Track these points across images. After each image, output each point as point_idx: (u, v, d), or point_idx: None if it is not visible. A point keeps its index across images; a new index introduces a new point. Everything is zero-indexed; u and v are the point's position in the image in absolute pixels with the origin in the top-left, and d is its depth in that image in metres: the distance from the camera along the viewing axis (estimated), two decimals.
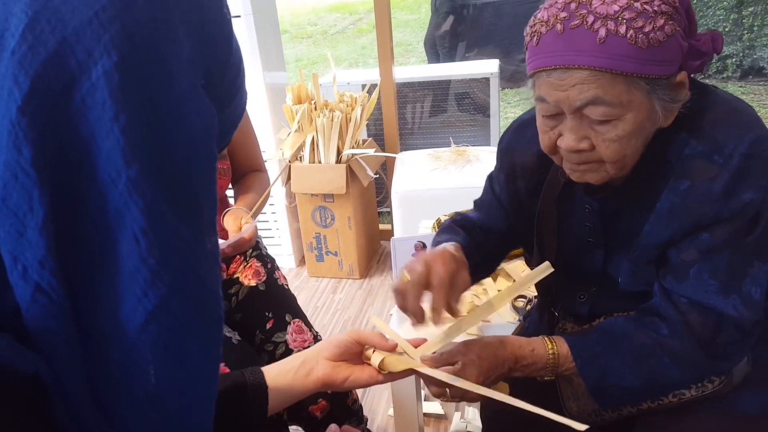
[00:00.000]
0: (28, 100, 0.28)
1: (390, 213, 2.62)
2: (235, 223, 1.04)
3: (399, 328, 1.12)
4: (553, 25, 0.65)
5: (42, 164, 0.29)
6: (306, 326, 1.13)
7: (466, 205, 1.72)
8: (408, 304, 0.72)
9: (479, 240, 0.94)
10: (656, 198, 0.71)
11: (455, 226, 0.95)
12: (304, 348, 1.05)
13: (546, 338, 0.76)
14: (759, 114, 0.73)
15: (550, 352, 0.75)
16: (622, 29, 0.61)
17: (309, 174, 2.07)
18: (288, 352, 1.06)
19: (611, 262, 0.81)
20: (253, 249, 1.21)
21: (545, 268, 0.76)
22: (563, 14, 0.64)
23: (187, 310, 0.34)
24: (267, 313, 1.12)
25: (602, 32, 0.62)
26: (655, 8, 0.62)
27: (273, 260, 1.22)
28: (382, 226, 2.57)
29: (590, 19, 0.63)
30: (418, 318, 0.72)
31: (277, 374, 0.68)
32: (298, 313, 1.14)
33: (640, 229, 0.73)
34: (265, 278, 1.17)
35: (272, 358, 1.07)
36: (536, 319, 1.01)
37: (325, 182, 2.05)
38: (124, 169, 0.30)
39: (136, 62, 0.30)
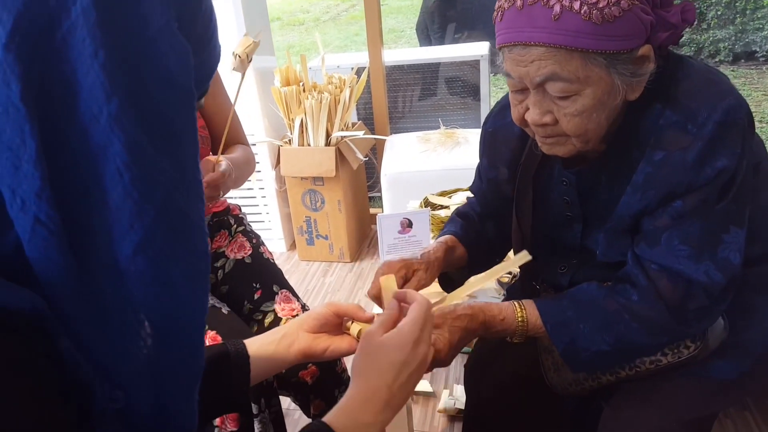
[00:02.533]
0: (12, 37, 0.29)
1: (381, 197, 2.62)
2: (207, 166, 1.03)
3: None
4: (513, 1, 0.65)
5: (30, 99, 0.30)
6: (293, 296, 1.13)
7: (454, 186, 1.73)
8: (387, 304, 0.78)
9: (478, 228, 0.97)
10: (632, 170, 0.72)
11: (456, 217, 0.99)
12: (293, 317, 1.07)
13: (516, 304, 0.77)
14: (750, 97, 0.73)
15: (519, 318, 0.76)
16: (576, 5, 0.61)
17: (298, 157, 2.07)
18: (277, 320, 1.07)
19: (589, 235, 0.82)
20: (238, 225, 1.21)
21: (523, 257, 0.77)
22: None
23: (172, 242, 0.35)
24: (254, 284, 1.12)
25: (557, 8, 0.62)
26: None
27: (258, 236, 1.23)
28: (372, 210, 2.57)
29: None
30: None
31: (259, 346, 0.69)
32: (285, 285, 1.15)
33: (617, 201, 0.74)
34: (250, 252, 1.17)
35: (261, 328, 1.07)
36: (518, 291, 1.02)
37: (314, 165, 2.05)
38: (105, 104, 0.31)
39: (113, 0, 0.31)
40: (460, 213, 1.01)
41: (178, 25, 0.35)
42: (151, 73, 0.33)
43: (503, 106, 0.89)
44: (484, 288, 1.17)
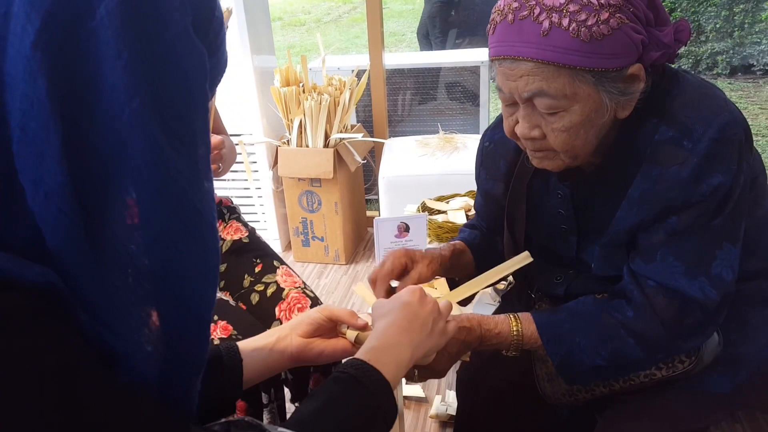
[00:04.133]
0: (40, 36, 0.30)
1: (378, 200, 2.62)
2: None
3: None
4: (505, 14, 0.65)
5: (55, 96, 0.31)
6: (295, 273, 1.14)
7: (452, 191, 1.73)
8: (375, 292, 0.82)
9: (487, 239, 0.97)
10: (628, 184, 0.72)
11: (465, 228, 1.01)
12: (296, 288, 1.07)
13: (512, 318, 0.77)
14: (746, 110, 0.74)
15: (515, 331, 0.77)
16: (565, 22, 0.61)
17: (296, 158, 2.06)
18: (279, 291, 1.07)
19: (585, 247, 0.82)
20: (231, 213, 1.22)
21: (524, 258, 0.78)
22: (515, 4, 0.64)
23: (185, 238, 0.36)
24: (254, 259, 1.13)
25: (546, 24, 0.62)
26: (601, 1, 0.61)
27: (253, 228, 1.23)
28: (369, 213, 2.56)
29: (537, 10, 0.63)
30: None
31: (253, 350, 0.69)
32: (285, 264, 1.15)
33: (612, 215, 0.74)
34: (247, 234, 1.18)
35: (263, 298, 1.07)
36: (513, 299, 1.02)
37: (312, 166, 2.04)
38: (126, 103, 0.32)
39: (135, 3, 0.32)
40: (469, 225, 1.01)
41: (193, 29, 0.36)
42: (170, 75, 0.34)
43: (500, 120, 0.89)
44: (480, 295, 1.16)
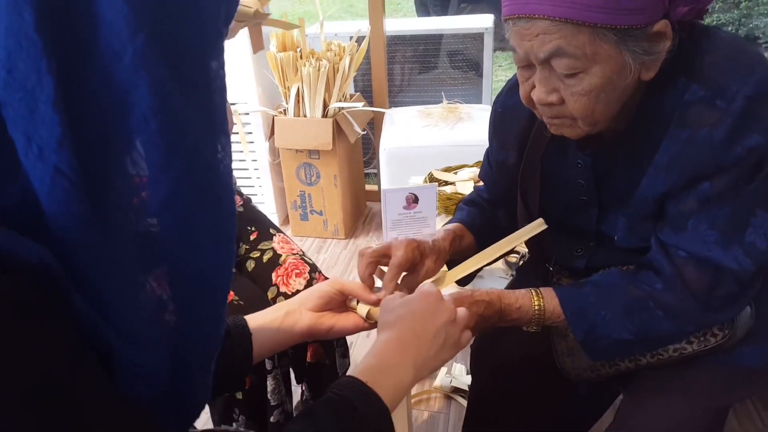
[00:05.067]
0: None
1: (377, 174, 2.55)
2: None
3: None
4: None
5: (46, 31, 0.27)
6: (291, 241, 1.09)
7: (457, 163, 1.67)
8: (360, 269, 0.74)
9: (487, 215, 0.93)
10: (654, 149, 0.67)
11: (463, 206, 0.95)
12: (293, 254, 1.03)
13: (533, 293, 0.74)
14: None
15: (536, 306, 0.73)
16: None
17: (293, 128, 1.98)
18: (276, 257, 1.03)
19: (606, 219, 0.78)
20: None
21: (538, 225, 0.74)
22: None
23: (199, 200, 0.33)
24: (249, 227, 1.08)
25: None
26: None
27: (249, 198, 1.18)
28: (368, 187, 2.50)
29: None
30: (366, 284, 0.73)
31: (262, 324, 0.66)
32: (281, 231, 1.11)
33: (637, 184, 0.70)
34: (242, 203, 1.13)
35: (259, 264, 1.03)
36: (529, 273, 0.98)
37: (310, 137, 1.97)
38: (129, 40, 0.28)
39: None
40: (467, 201, 0.97)
41: None
42: (180, 6, 0.29)
43: (513, 85, 0.84)
44: (491, 268, 1.12)
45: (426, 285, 0.63)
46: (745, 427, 1.27)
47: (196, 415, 0.39)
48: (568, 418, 0.92)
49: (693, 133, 0.63)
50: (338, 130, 1.99)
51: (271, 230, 1.09)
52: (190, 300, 0.35)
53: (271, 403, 0.91)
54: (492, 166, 0.92)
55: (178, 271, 0.34)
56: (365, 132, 2.20)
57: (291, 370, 1.07)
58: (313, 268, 1.02)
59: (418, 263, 0.77)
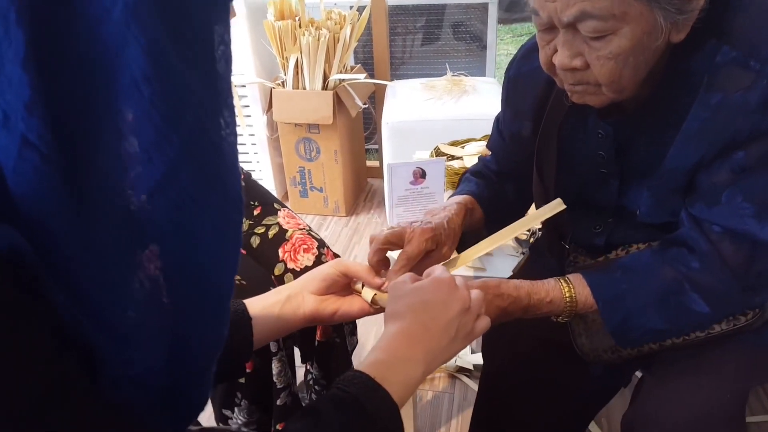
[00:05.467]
0: None
1: (378, 150, 2.49)
2: None
3: None
4: None
5: None
6: (297, 216, 1.05)
7: (462, 138, 1.61)
8: (369, 255, 0.70)
9: (496, 188, 0.88)
10: (682, 117, 0.63)
11: (470, 176, 0.90)
12: (300, 229, 0.99)
13: (563, 283, 0.70)
14: None
15: (567, 297, 0.69)
16: None
17: (292, 101, 1.91)
18: (282, 232, 0.98)
19: (627, 192, 0.74)
20: None
21: (556, 205, 0.70)
22: None
23: (200, 182, 0.28)
24: (252, 203, 1.04)
25: None
26: None
27: (249, 173, 1.13)
28: (369, 163, 2.45)
29: None
30: (375, 270, 0.69)
31: (262, 308, 0.62)
32: (286, 206, 1.06)
33: (663, 154, 0.66)
34: (242, 177, 1.07)
35: (264, 240, 0.98)
36: (544, 251, 0.93)
37: (309, 111, 1.90)
38: None
39: None
40: (474, 172, 0.92)
41: None
42: None
43: (528, 50, 0.78)
44: (501, 245, 1.08)
45: (438, 270, 0.59)
46: (753, 408, 1.25)
47: (193, 420, 0.35)
48: (580, 399, 0.89)
49: (725, 98, 0.59)
50: (339, 104, 1.92)
51: (276, 205, 1.04)
52: (188, 296, 0.31)
53: (278, 386, 0.88)
54: (504, 137, 0.87)
55: (173, 264, 0.29)
56: (366, 106, 2.14)
57: (296, 350, 1.04)
58: (321, 244, 0.98)
59: (432, 251, 0.72)
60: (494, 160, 0.90)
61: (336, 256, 1.01)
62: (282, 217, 1.01)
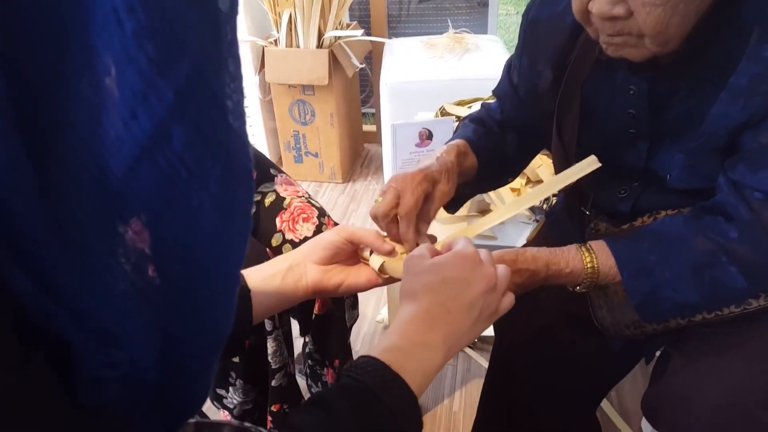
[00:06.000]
0: None
1: (375, 114, 2.40)
2: None
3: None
4: None
5: None
6: (295, 182, 0.98)
7: (466, 98, 1.53)
8: (388, 228, 0.66)
9: (496, 137, 0.82)
10: (726, 72, 0.57)
11: (469, 123, 0.83)
12: (299, 197, 0.93)
13: (584, 251, 0.65)
14: None
15: (589, 267, 0.64)
16: None
17: (286, 60, 1.80)
18: (279, 200, 0.92)
19: (657, 155, 0.68)
20: None
21: (591, 163, 0.64)
22: None
23: (198, 148, 0.23)
24: None
25: None
26: None
27: None
28: (365, 128, 2.36)
29: None
30: (411, 244, 0.65)
31: (262, 280, 0.57)
32: (282, 171, 0.99)
33: (703, 113, 0.60)
34: None
35: (261, 209, 0.92)
36: (562, 218, 0.87)
37: (304, 71, 1.80)
38: None
39: None
40: (474, 119, 0.85)
41: None
42: None
43: None
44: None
45: (460, 243, 0.52)
46: None
47: (188, 419, 0.30)
48: (596, 374, 0.85)
49: None
50: (334, 63, 1.82)
51: (272, 170, 0.96)
52: (183, 286, 0.25)
53: (272, 366, 0.82)
54: (516, 87, 0.80)
55: (164, 249, 0.24)
56: (363, 66, 2.03)
57: (296, 322, 0.99)
58: (322, 213, 0.92)
59: (429, 192, 0.67)
60: (499, 108, 0.83)
61: (336, 225, 0.95)
62: (279, 184, 0.94)
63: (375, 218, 0.64)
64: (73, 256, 0.22)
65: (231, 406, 0.85)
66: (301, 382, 1.18)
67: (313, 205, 0.92)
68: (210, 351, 0.29)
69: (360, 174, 2.18)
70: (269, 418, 0.86)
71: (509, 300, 0.52)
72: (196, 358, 0.28)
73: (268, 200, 0.92)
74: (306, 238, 0.88)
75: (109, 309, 0.24)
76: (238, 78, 0.24)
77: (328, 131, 1.96)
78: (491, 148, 0.80)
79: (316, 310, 0.94)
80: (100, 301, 0.23)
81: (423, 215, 0.66)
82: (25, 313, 0.23)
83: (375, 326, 1.44)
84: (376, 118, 2.33)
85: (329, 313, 0.94)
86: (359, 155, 2.28)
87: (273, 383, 0.83)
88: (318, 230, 0.89)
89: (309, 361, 1.00)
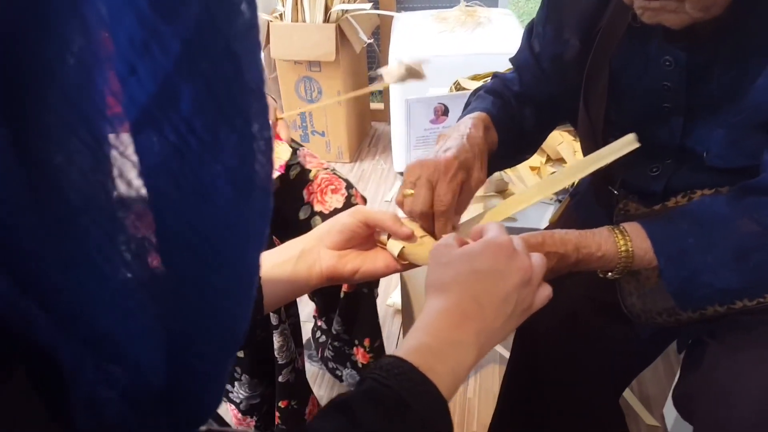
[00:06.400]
0: None
1: (382, 92, 2.33)
2: None
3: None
4: None
5: None
6: (317, 156, 0.94)
7: (477, 74, 1.46)
8: (423, 220, 0.61)
9: (513, 111, 0.77)
10: None
11: (485, 94, 0.77)
12: (324, 169, 0.89)
13: (618, 233, 0.60)
14: None
15: (623, 251, 0.59)
16: None
17: (291, 35, 1.74)
18: (305, 173, 0.88)
19: (693, 131, 0.64)
20: None
21: (629, 142, 0.60)
22: None
23: (210, 110, 0.19)
24: None
25: None
26: None
27: None
28: (373, 106, 2.30)
29: None
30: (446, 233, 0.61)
31: (272, 266, 0.53)
32: (302, 144, 0.95)
33: (746, 85, 0.57)
34: None
35: (286, 182, 0.89)
36: (588, 198, 0.83)
37: (311, 46, 1.73)
38: None
39: None
40: (489, 90, 0.79)
41: None
42: None
43: None
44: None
45: (491, 229, 0.48)
46: None
47: (199, 427, 0.26)
48: (622, 362, 0.81)
49: None
50: (342, 38, 1.75)
51: (293, 143, 0.92)
52: (195, 277, 0.22)
53: (279, 362, 0.79)
54: (539, 57, 0.74)
55: (171, 232, 0.21)
56: (371, 41, 1.96)
57: (302, 307, 0.95)
58: (349, 185, 0.88)
59: (464, 182, 0.62)
60: (517, 79, 0.77)
61: (364, 199, 0.91)
62: (302, 156, 0.90)
63: (409, 212, 0.59)
64: (60, 243, 0.18)
65: (237, 401, 0.82)
66: (311, 369, 1.15)
67: (339, 176, 0.88)
68: (225, 352, 0.25)
69: (368, 153, 2.12)
70: (277, 414, 0.83)
71: (545, 293, 0.47)
72: (209, 360, 0.24)
73: (292, 173, 0.88)
74: (336, 210, 0.84)
75: (104, 308, 0.20)
76: (254, 27, 0.20)
77: (335, 109, 1.91)
78: (508, 122, 0.75)
79: (345, 289, 0.91)
80: (94, 300, 0.20)
81: (457, 207, 0.62)
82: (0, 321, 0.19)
83: (386, 310, 1.40)
84: (384, 95, 2.27)
85: (358, 291, 0.91)
86: (367, 134, 2.23)
87: (280, 379, 0.80)
88: (347, 202, 0.85)
89: (335, 342, 0.97)
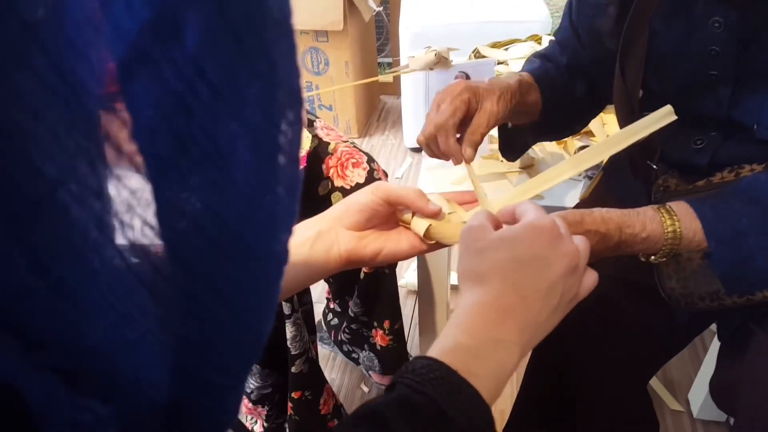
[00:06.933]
0: None
1: (391, 64, 2.25)
2: None
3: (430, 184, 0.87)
4: None
5: None
6: (335, 128, 0.90)
7: (497, 40, 1.39)
8: (436, 150, 0.63)
9: (564, 79, 0.75)
10: None
11: (536, 59, 0.77)
12: (343, 142, 0.85)
13: (664, 213, 0.55)
14: None
15: (669, 231, 0.54)
16: None
17: (296, 3, 1.65)
18: (324, 145, 0.84)
19: (741, 102, 0.59)
20: None
21: (665, 115, 0.56)
22: None
23: (226, 48, 0.14)
24: None
25: None
26: None
27: None
28: (382, 78, 2.22)
29: None
30: (457, 159, 0.62)
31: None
32: (318, 117, 0.90)
33: None
34: None
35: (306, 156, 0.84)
36: (623, 173, 0.77)
37: (317, 14, 1.65)
38: None
39: None
40: (540, 55, 0.78)
41: None
42: None
43: None
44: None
45: (531, 210, 0.42)
46: None
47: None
48: (655, 347, 0.77)
49: None
50: (349, 6, 1.67)
51: (310, 116, 0.87)
52: (209, 273, 0.17)
53: (292, 352, 0.75)
54: (578, 32, 0.72)
55: (179, 215, 0.16)
56: (379, 9, 1.88)
57: (328, 283, 0.90)
58: (370, 158, 0.83)
59: (474, 108, 0.62)
60: (565, 52, 0.75)
61: (386, 174, 0.86)
62: (320, 128, 0.85)
63: (426, 141, 0.61)
64: (31, 229, 0.14)
65: (248, 391, 0.79)
66: (322, 351, 1.12)
67: (359, 149, 0.83)
68: (245, 359, 0.21)
69: (377, 128, 2.06)
70: (289, 404, 0.80)
71: (591, 279, 0.42)
72: (226, 370, 0.20)
73: (311, 145, 0.83)
74: (358, 186, 0.79)
75: (91, 314, 0.15)
76: None
77: (343, 82, 1.84)
78: (557, 86, 0.73)
79: (365, 269, 0.86)
80: (76, 304, 0.15)
81: (468, 138, 0.61)
82: None
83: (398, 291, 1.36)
84: (394, 66, 2.19)
85: (379, 271, 0.87)
86: (375, 108, 2.16)
87: (293, 370, 0.77)
88: (370, 177, 0.80)
89: (352, 324, 0.93)
